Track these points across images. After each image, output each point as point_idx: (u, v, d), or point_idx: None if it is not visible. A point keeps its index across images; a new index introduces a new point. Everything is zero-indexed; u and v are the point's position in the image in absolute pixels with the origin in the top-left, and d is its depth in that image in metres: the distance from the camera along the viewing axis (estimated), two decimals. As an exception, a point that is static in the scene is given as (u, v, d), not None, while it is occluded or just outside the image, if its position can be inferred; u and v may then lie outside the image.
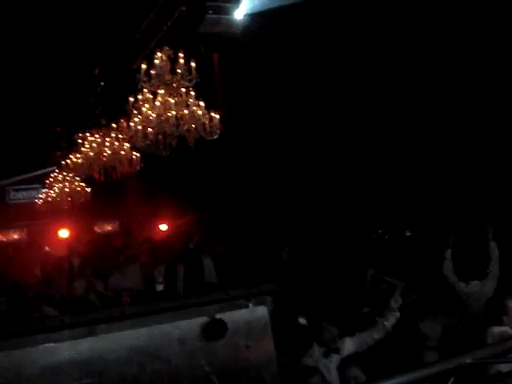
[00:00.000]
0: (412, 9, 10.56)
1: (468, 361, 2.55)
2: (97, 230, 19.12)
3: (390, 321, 6.09)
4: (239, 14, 7.35)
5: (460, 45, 11.24)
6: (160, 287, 10.32)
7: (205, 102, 9.33)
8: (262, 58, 10.75)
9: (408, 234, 15.56)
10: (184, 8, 8.35)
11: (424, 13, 10.48)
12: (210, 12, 7.28)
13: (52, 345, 2.72)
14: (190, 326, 2.99)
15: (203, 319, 3.03)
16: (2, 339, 2.62)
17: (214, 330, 2.98)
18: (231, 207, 17.16)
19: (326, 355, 5.45)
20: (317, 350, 5.50)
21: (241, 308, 3.15)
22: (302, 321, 6.27)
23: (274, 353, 3.15)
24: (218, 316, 3.02)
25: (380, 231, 15.96)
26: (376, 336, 5.93)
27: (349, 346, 5.72)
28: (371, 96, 13.51)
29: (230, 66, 10.41)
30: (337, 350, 5.49)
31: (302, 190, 16.31)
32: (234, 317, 3.11)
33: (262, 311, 3.19)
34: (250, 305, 3.17)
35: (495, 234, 7.88)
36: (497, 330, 5.43)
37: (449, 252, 7.90)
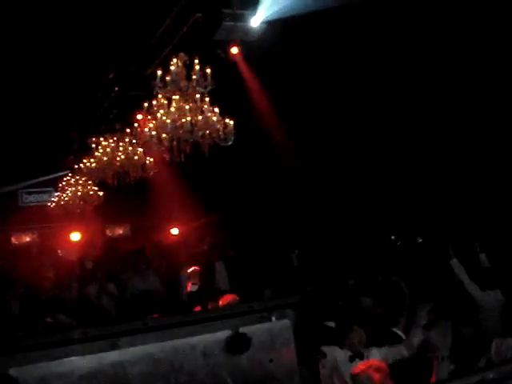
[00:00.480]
0: (423, 15, 10.55)
1: (491, 376, 2.53)
2: (108, 233, 19.18)
3: (417, 337, 5.99)
4: (256, 21, 7.35)
5: (464, 47, 11.25)
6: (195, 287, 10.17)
7: (219, 108, 9.34)
8: (278, 65, 10.75)
9: (420, 240, 15.55)
10: (200, 15, 8.37)
11: (440, 17, 10.46)
12: (226, 19, 7.28)
13: (75, 358, 2.71)
14: (214, 339, 2.97)
15: (227, 332, 3.01)
16: (24, 351, 2.60)
17: (238, 344, 2.97)
18: (242, 211, 17.18)
19: (352, 360, 5.39)
20: (342, 354, 5.45)
21: (263, 321, 3.13)
22: (330, 323, 6.23)
23: (296, 366, 3.14)
24: (241, 330, 3.00)
25: (392, 237, 15.96)
26: (405, 353, 5.82)
27: (375, 356, 5.63)
28: (387, 105, 13.50)
29: (246, 72, 10.43)
30: (362, 356, 5.43)
31: (314, 194, 16.31)
32: (257, 330, 3.09)
33: (284, 324, 3.18)
34: (273, 318, 3.16)
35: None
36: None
37: (455, 261, 7.81)
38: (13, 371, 2.54)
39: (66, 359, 2.66)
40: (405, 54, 11.54)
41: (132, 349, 2.76)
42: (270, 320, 3.14)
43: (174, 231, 19.17)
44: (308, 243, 14.61)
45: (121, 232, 19.35)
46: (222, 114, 9.37)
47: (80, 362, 2.71)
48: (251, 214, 17.03)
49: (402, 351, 5.90)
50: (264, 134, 13.74)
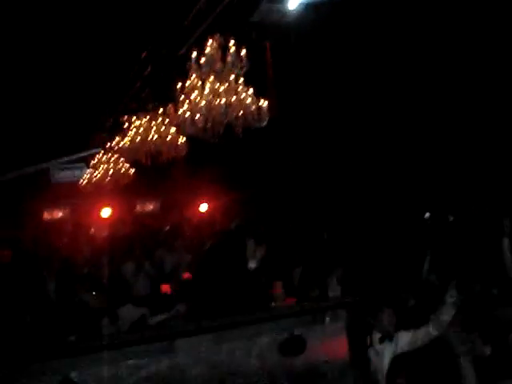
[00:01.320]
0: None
1: None
2: (139, 209, 19.31)
3: (446, 315, 5.93)
4: (293, 3, 7.25)
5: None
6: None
7: (254, 89, 9.26)
8: (314, 48, 10.64)
9: (451, 218, 15.38)
10: (233, -4, 8.29)
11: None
12: (264, 1, 7.20)
13: (132, 361, 2.74)
14: (269, 341, 2.99)
15: (282, 335, 3.03)
16: (83, 355, 2.63)
17: (293, 347, 2.99)
18: (272, 188, 17.16)
19: (382, 340, 5.36)
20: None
21: (318, 323, 3.14)
22: None
23: (349, 368, 3.14)
24: (296, 332, 3.02)
25: (426, 215, 15.82)
26: (433, 332, 5.78)
27: (403, 340, 5.59)
28: (419, 87, 13.35)
29: (281, 54, 10.33)
30: (392, 337, 5.38)
31: (345, 174, 16.23)
32: (312, 332, 3.10)
33: (338, 326, 3.18)
34: (327, 319, 3.16)
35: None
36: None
37: (506, 241, 7.48)
38: (74, 374, 2.60)
39: (123, 362, 2.70)
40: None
41: (188, 351, 2.80)
42: (324, 321, 3.16)
43: (203, 207, 19.27)
44: (339, 222, 14.55)
45: (151, 208, 19.45)
46: (256, 95, 9.29)
47: (137, 365, 2.76)
48: (281, 191, 17.00)
49: (431, 331, 5.87)
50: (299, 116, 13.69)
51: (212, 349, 2.78)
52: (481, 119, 13.49)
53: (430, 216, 15.77)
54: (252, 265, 8.85)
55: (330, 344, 3.09)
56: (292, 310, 3.15)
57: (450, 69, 12.42)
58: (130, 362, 2.64)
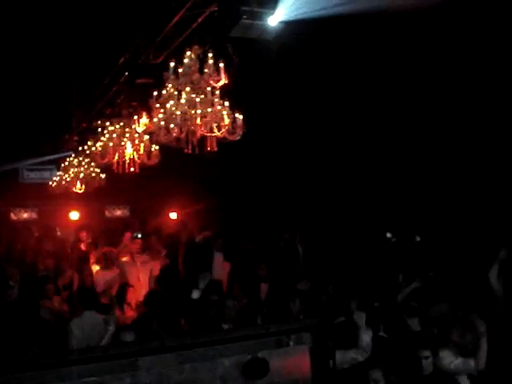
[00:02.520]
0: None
1: None
2: (107, 214, 19.20)
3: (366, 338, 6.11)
4: (273, 20, 7.30)
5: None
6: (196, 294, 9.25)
7: (230, 103, 9.30)
8: (293, 65, 10.73)
9: (418, 239, 15.58)
10: (216, 8, 8.30)
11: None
12: (244, 17, 7.22)
13: (93, 379, 2.71)
14: (233, 363, 3.00)
15: (245, 357, 3.03)
16: (35, 370, 2.57)
17: (256, 369, 2.99)
18: (241, 197, 17.21)
19: None
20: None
21: (281, 345, 3.16)
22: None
23: (312, 392, 3.16)
24: (260, 354, 3.02)
25: (389, 235, 16.00)
26: (360, 357, 6.00)
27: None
28: (389, 101, 13.54)
29: (260, 70, 10.41)
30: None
31: (310, 186, 16.37)
32: (275, 355, 3.11)
33: (302, 350, 3.20)
34: (291, 343, 3.18)
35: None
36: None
37: (495, 268, 7.55)
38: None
39: (85, 379, 2.67)
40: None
41: (151, 370, 2.78)
42: (288, 344, 3.16)
43: (173, 215, 19.23)
44: (308, 235, 14.64)
45: (120, 214, 19.34)
46: (232, 109, 9.33)
47: (99, 382, 2.72)
48: (251, 200, 17.06)
49: (357, 355, 6.00)
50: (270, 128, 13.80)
51: (175, 368, 2.77)
52: (451, 140, 13.74)
53: (395, 236, 16.00)
54: (195, 295, 8.83)
55: (294, 367, 3.10)
56: (256, 332, 3.15)
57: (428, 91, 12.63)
58: (92, 378, 2.61)
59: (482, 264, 8.19)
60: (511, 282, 7.36)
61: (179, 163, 14.63)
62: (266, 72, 10.82)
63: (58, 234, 15.65)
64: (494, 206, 13.06)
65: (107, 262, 10.83)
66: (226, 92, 9.33)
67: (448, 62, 11.86)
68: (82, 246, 13.08)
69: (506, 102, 11.99)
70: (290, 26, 7.48)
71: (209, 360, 2.92)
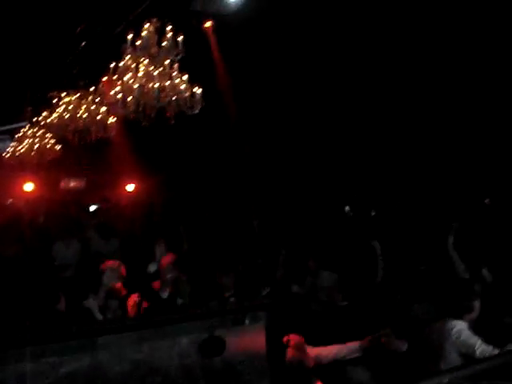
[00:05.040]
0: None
1: (445, 381, 2.68)
2: (63, 186, 18.93)
3: None
4: (233, -5, 7.27)
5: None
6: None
7: (189, 76, 9.25)
8: (252, 40, 10.67)
9: (373, 213, 15.85)
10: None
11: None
12: (203, -9, 7.18)
13: (53, 359, 2.74)
14: (190, 341, 3.07)
15: (202, 335, 3.10)
16: (4, 350, 2.61)
17: (212, 347, 3.07)
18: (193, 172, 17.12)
19: None
20: None
21: (238, 324, 3.24)
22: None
23: (267, 368, 3.27)
24: (216, 332, 3.10)
25: (347, 208, 16.22)
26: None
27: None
28: (352, 87, 13.58)
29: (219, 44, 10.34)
30: None
31: (271, 166, 16.41)
32: (231, 333, 3.19)
33: (257, 328, 3.29)
34: (247, 321, 3.26)
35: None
36: (454, 324, 5.66)
37: (451, 240, 7.90)
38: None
39: (44, 359, 2.70)
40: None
41: (110, 349, 2.83)
42: (244, 322, 3.25)
43: (130, 188, 19.07)
44: (267, 212, 14.70)
45: (76, 185, 19.09)
46: (191, 82, 9.28)
47: (58, 363, 2.76)
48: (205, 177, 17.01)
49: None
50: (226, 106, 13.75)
51: (134, 347, 2.83)
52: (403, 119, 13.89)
53: (352, 210, 16.25)
54: (152, 268, 8.65)
55: (250, 344, 3.20)
56: (213, 310, 3.22)
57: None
58: (51, 359, 2.64)
59: (437, 235, 8.61)
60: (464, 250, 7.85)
61: (137, 135, 14.51)
62: (229, 46, 10.72)
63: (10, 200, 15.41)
64: (445, 184, 13.32)
65: None
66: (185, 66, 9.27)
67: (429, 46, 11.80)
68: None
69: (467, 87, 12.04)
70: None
71: (167, 339, 2.98)
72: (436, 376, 2.47)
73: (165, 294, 6.87)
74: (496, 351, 5.24)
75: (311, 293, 6.79)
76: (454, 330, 5.58)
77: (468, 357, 5.40)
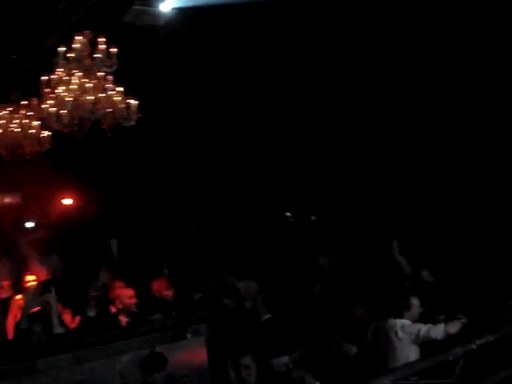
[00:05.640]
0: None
1: (387, 381, 2.76)
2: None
3: None
4: (166, 7, 7.27)
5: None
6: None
7: (124, 89, 9.17)
8: (183, 52, 10.67)
9: (313, 218, 16.10)
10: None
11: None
12: (135, 2, 7.15)
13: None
14: (131, 358, 3.07)
15: (143, 352, 3.11)
16: None
17: (154, 363, 3.07)
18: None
19: None
20: None
21: (179, 339, 3.26)
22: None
23: (209, 381, 3.30)
24: (157, 349, 3.11)
25: (287, 214, 16.42)
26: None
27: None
28: (286, 90, 13.70)
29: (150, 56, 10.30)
30: None
31: (208, 169, 16.39)
32: (173, 349, 3.21)
33: (199, 341, 3.32)
34: (188, 335, 3.28)
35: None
36: (396, 322, 5.83)
37: (395, 244, 8.16)
38: None
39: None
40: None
41: (50, 372, 2.79)
42: (186, 337, 3.27)
43: (67, 202, 18.64)
44: (205, 216, 14.71)
45: (11, 201, 18.52)
46: (126, 95, 9.19)
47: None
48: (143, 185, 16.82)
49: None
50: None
51: (73, 368, 2.80)
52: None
53: (293, 215, 16.45)
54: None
55: (191, 358, 3.22)
56: (153, 326, 3.23)
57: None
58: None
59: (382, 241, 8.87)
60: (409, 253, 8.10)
61: (72, 148, 14.25)
62: (162, 58, 10.68)
63: None
64: (390, 188, 13.59)
65: None
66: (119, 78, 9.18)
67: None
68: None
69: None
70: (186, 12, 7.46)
71: (106, 358, 2.98)
72: (383, 375, 2.55)
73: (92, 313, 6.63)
74: (437, 327, 5.47)
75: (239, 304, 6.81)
76: (397, 326, 5.75)
77: (416, 348, 5.59)
